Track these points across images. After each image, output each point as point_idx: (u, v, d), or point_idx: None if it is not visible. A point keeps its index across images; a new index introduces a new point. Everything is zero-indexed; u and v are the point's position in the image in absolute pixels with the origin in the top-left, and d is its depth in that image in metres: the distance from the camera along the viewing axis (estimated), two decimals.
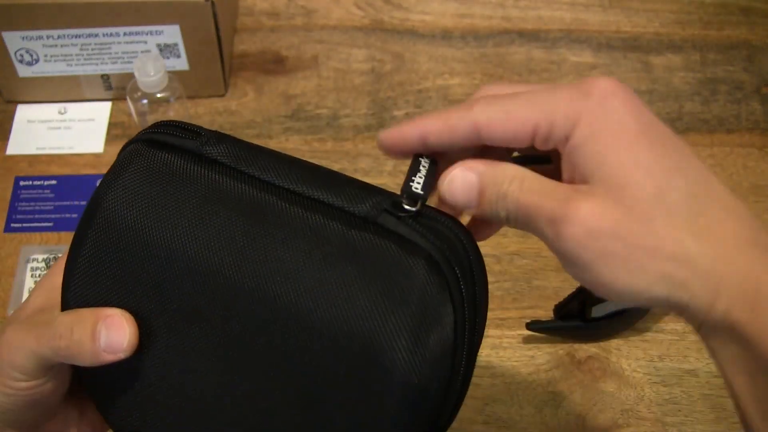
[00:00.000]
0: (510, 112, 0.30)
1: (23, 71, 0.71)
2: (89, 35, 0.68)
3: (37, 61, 0.70)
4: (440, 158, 0.33)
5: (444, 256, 0.30)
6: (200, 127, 0.34)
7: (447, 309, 0.29)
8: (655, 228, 0.27)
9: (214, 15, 0.67)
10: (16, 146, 0.71)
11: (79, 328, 0.32)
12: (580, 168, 0.29)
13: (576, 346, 0.60)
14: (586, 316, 0.58)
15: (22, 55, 0.69)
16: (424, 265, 0.29)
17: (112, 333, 0.32)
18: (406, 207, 0.31)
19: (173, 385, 0.33)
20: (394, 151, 0.33)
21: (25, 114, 0.73)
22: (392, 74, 0.76)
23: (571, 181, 0.29)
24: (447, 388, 0.30)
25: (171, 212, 0.32)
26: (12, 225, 0.66)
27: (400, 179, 0.67)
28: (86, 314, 0.33)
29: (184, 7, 0.66)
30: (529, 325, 0.60)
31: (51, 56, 0.69)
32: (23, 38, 0.68)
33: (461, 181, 0.31)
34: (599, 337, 0.60)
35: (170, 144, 0.33)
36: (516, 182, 0.30)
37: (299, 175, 0.32)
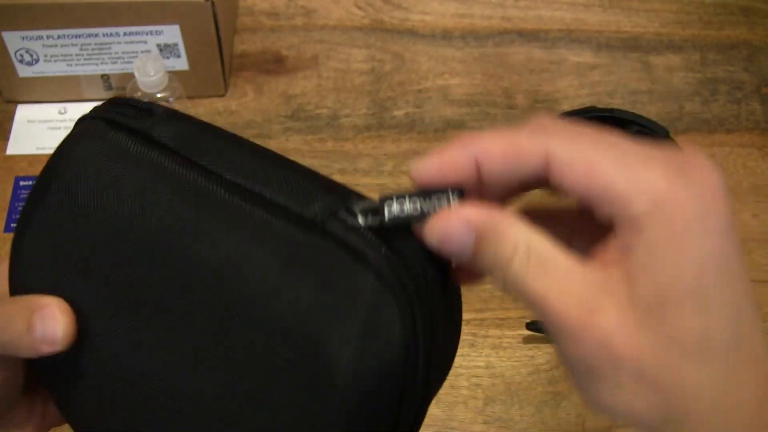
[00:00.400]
0: (593, 165, 0.24)
1: (23, 71, 0.71)
2: (89, 35, 0.68)
3: (37, 61, 0.70)
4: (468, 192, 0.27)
5: (395, 273, 0.26)
6: (156, 106, 0.33)
7: (396, 325, 0.26)
8: (685, 371, 0.23)
9: (214, 15, 0.67)
10: (16, 146, 0.71)
11: (16, 319, 0.31)
12: (633, 260, 0.23)
13: None
14: None
15: (22, 55, 0.69)
16: (372, 279, 0.26)
17: (48, 324, 0.30)
18: (360, 219, 0.27)
19: (121, 373, 0.32)
20: (433, 183, 0.27)
21: (25, 114, 0.73)
22: (392, 74, 0.76)
23: (605, 249, 0.25)
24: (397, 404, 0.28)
25: (117, 195, 0.31)
26: (12, 225, 0.66)
27: (401, 179, 0.67)
28: (23, 304, 0.31)
29: (184, 7, 0.66)
30: (529, 325, 0.60)
31: (51, 56, 0.69)
32: (23, 38, 0.68)
33: (452, 230, 0.26)
34: None
35: (121, 124, 0.32)
36: (520, 254, 0.25)
37: (248, 165, 0.30)
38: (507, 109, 0.75)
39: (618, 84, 0.76)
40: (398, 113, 0.74)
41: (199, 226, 0.29)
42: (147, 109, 0.32)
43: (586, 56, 0.79)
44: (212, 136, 0.32)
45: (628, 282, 0.24)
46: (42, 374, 0.35)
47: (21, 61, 0.70)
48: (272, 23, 0.80)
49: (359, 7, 0.81)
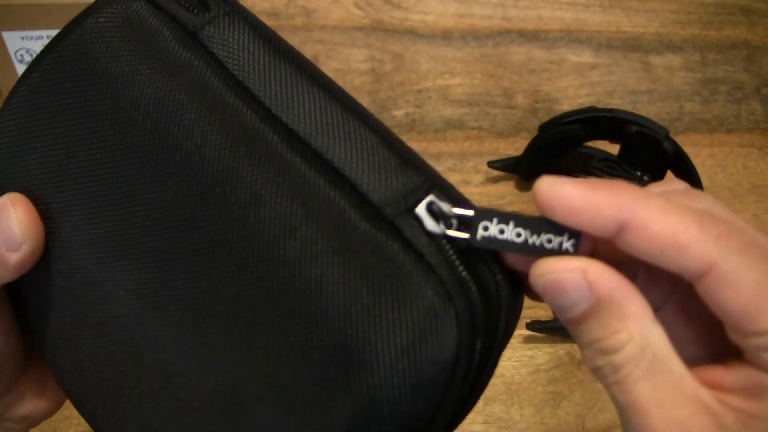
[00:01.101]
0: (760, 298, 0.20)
1: (23, 71, 0.71)
2: None
3: None
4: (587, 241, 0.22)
5: (470, 309, 0.22)
6: None
7: (450, 334, 0.22)
8: None
9: None
10: None
11: None
12: (760, 414, 0.20)
13: (576, 346, 0.60)
14: None
15: (22, 55, 0.69)
16: (433, 293, 0.22)
17: (2, 222, 0.26)
18: (442, 226, 0.22)
19: (101, 321, 0.27)
20: (558, 215, 0.22)
21: None
22: (392, 74, 0.76)
23: (727, 370, 0.21)
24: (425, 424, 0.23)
25: (132, 92, 0.25)
26: None
27: None
28: None
29: None
30: (529, 325, 0.60)
31: None
32: (23, 38, 0.68)
33: (570, 285, 0.21)
34: None
35: (164, 7, 0.25)
36: (636, 348, 0.21)
37: (318, 114, 0.24)
38: (507, 109, 0.75)
39: (618, 84, 0.76)
40: (398, 113, 0.74)
41: (238, 173, 0.23)
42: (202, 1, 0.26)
43: (586, 56, 0.79)
44: (279, 59, 0.25)
45: None
46: (23, 316, 0.31)
47: (21, 61, 0.70)
48: (272, 23, 0.80)
49: (359, 7, 0.81)
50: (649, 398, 0.20)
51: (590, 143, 0.66)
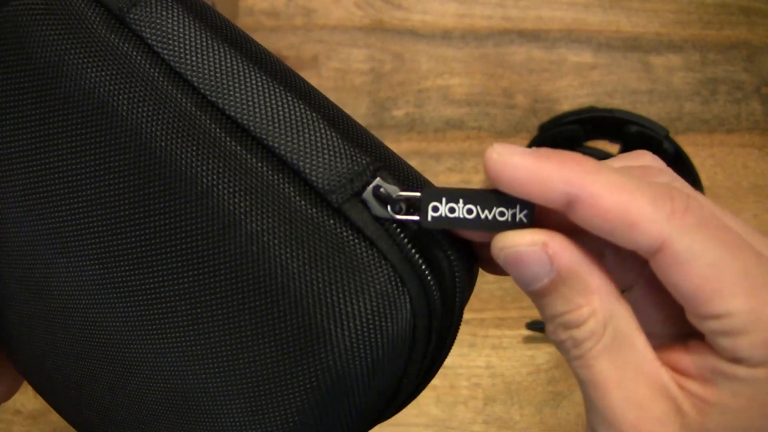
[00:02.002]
0: (718, 277, 0.20)
1: None
2: None
3: None
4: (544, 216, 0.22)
5: (424, 295, 0.22)
6: None
7: (405, 319, 0.22)
8: None
9: None
10: None
11: None
12: (717, 400, 0.20)
13: None
14: None
15: None
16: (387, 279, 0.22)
17: None
18: (389, 210, 0.22)
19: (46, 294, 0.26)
20: (506, 186, 0.21)
21: None
22: (392, 74, 0.76)
23: (687, 351, 0.21)
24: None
25: (60, 84, 0.22)
26: None
27: None
28: None
29: None
30: (529, 325, 0.60)
31: None
32: None
33: (531, 258, 0.21)
34: None
35: None
36: (598, 323, 0.20)
37: (260, 97, 0.23)
38: (507, 109, 0.75)
39: (618, 84, 0.76)
40: (398, 113, 0.74)
41: (176, 166, 0.22)
42: None
43: (586, 56, 0.79)
44: (213, 38, 0.23)
45: (703, 416, 0.19)
46: None
47: None
48: (272, 23, 0.80)
49: (359, 7, 0.81)
50: (609, 376, 0.20)
51: (590, 143, 0.66)
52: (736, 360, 0.19)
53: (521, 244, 0.21)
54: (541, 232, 0.21)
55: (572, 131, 0.64)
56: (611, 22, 0.81)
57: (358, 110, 0.74)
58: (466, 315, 0.51)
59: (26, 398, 0.59)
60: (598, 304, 0.20)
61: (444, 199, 0.21)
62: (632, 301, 0.22)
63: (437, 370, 0.25)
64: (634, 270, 0.23)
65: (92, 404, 0.27)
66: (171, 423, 0.25)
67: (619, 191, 0.20)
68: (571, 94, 0.76)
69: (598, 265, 0.21)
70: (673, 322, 0.23)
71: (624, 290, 0.23)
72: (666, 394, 0.20)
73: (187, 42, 0.23)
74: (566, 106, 0.74)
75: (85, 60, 0.23)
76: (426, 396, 0.58)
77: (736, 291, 0.19)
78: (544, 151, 0.21)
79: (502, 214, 0.21)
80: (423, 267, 0.22)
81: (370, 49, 0.78)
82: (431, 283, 0.22)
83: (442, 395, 0.59)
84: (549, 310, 0.22)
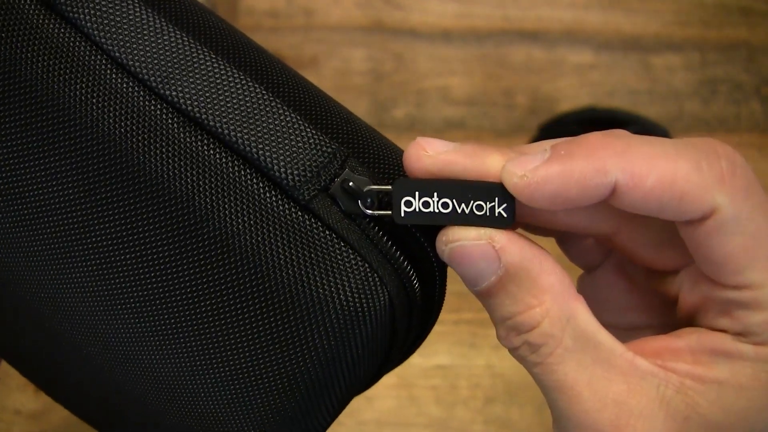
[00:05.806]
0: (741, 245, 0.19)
1: None
2: None
3: None
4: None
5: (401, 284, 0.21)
6: None
7: (384, 314, 0.21)
8: None
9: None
10: None
11: None
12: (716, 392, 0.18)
13: None
14: None
15: None
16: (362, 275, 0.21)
17: None
18: (360, 205, 0.21)
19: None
20: (546, 206, 0.19)
21: None
22: (392, 74, 0.76)
23: (673, 339, 0.19)
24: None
25: None
26: None
27: None
28: None
29: None
30: None
31: None
32: None
33: (477, 253, 0.19)
34: None
35: None
36: (554, 325, 0.18)
37: (212, 88, 0.20)
38: (507, 109, 0.75)
39: (618, 84, 0.76)
40: (398, 113, 0.74)
41: (133, 167, 0.20)
42: None
43: (586, 56, 0.79)
44: (158, 19, 0.20)
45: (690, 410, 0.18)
46: None
47: None
48: (272, 23, 0.80)
49: (359, 7, 0.81)
50: (576, 378, 0.18)
51: None
52: (744, 334, 0.18)
53: (466, 238, 0.19)
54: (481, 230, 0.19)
55: (572, 131, 0.64)
56: (611, 22, 0.81)
57: (358, 110, 0.74)
58: (467, 315, 0.51)
59: (26, 398, 0.59)
60: (551, 304, 0.19)
61: (417, 193, 0.20)
62: (592, 283, 0.21)
63: (419, 344, 0.25)
64: (600, 252, 0.22)
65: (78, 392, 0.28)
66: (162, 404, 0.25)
67: (661, 162, 0.18)
68: (571, 94, 0.76)
69: (550, 260, 0.19)
70: (646, 312, 0.21)
71: (585, 271, 0.21)
72: (647, 383, 0.18)
73: (127, 27, 0.20)
74: (566, 106, 0.74)
75: (20, 51, 0.20)
76: (426, 396, 0.58)
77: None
78: (562, 148, 0.19)
79: (480, 207, 0.20)
80: (402, 261, 0.21)
81: (370, 49, 0.78)
82: (412, 277, 0.21)
83: (442, 395, 0.59)
84: (498, 312, 0.20)
